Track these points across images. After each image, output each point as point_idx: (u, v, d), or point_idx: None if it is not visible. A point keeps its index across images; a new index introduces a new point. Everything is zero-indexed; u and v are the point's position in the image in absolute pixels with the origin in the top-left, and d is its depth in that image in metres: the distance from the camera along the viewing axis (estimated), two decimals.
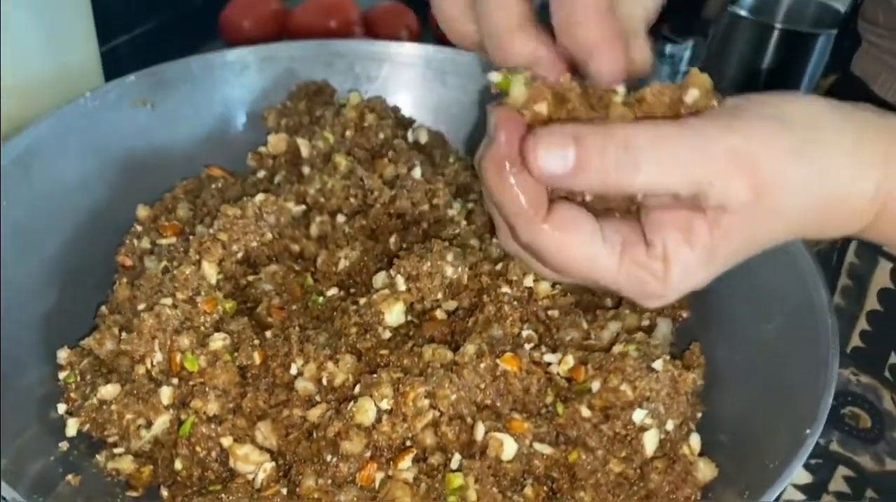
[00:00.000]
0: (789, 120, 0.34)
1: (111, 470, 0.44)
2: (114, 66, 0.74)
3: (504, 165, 0.35)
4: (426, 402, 0.42)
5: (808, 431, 0.41)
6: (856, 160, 0.35)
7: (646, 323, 0.54)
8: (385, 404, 0.42)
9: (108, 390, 0.45)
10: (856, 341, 0.63)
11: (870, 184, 0.35)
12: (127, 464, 0.44)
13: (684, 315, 0.57)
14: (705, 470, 0.44)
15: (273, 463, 0.43)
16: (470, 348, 0.45)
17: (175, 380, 0.46)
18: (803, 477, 0.69)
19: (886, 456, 0.63)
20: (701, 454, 0.45)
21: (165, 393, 0.44)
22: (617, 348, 0.45)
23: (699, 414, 0.49)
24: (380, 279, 0.50)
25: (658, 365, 0.44)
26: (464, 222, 0.57)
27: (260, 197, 0.54)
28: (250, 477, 0.43)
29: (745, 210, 0.34)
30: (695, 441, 0.45)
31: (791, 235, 0.36)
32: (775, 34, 0.91)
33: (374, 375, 0.43)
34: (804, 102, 0.35)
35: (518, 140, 0.35)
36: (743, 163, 0.33)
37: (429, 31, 0.99)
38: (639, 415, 0.42)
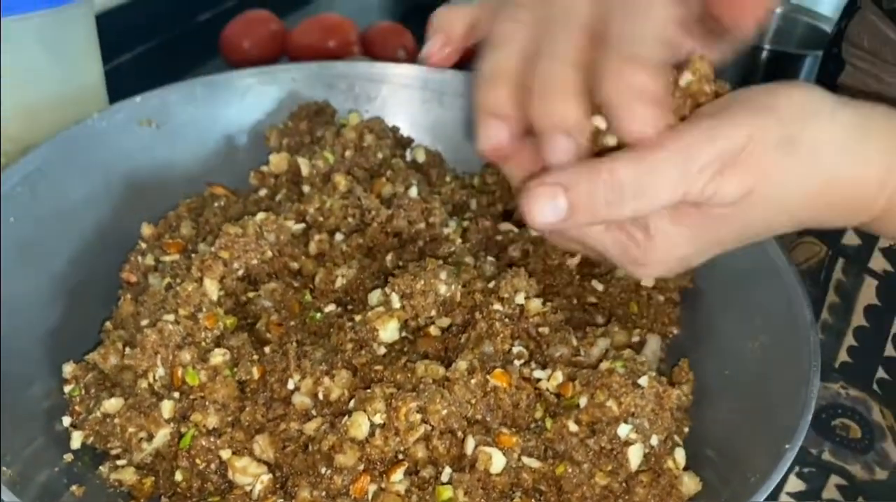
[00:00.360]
0: (781, 107, 0.34)
1: (114, 481, 0.46)
2: (116, 85, 0.76)
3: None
4: (418, 417, 0.43)
5: (787, 446, 0.43)
6: (856, 145, 0.35)
7: (635, 339, 0.55)
8: (378, 418, 0.43)
9: (112, 404, 0.46)
10: (844, 356, 0.65)
11: (874, 169, 0.35)
12: (129, 476, 0.46)
13: (674, 332, 0.58)
14: (689, 484, 0.45)
15: (270, 476, 0.44)
16: (461, 364, 0.46)
17: (176, 394, 0.47)
18: (798, 485, 0.70)
19: (876, 465, 0.65)
20: (686, 468, 0.46)
21: (166, 407, 0.46)
22: (604, 365, 0.47)
23: (686, 429, 0.50)
24: (375, 296, 0.51)
25: (643, 381, 0.45)
26: (459, 240, 0.59)
27: (260, 216, 0.55)
28: (248, 488, 0.44)
29: (736, 204, 0.34)
30: (679, 455, 0.46)
31: (791, 224, 0.37)
32: (764, 55, 0.92)
33: (368, 390, 0.45)
34: (799, 90, 0.35)
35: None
36: (729, 163, 0.33)
37: None
38: (624, 430, 0.43)
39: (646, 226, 0.36)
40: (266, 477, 0.44)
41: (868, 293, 0.61)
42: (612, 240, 0.38)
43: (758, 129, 0.34)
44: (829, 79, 0.64)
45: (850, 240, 0.62)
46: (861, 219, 0.37)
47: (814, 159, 0.34)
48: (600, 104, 0.36)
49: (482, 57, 0.39)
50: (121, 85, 0.74)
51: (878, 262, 0.60)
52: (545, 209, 0.35)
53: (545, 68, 0.36)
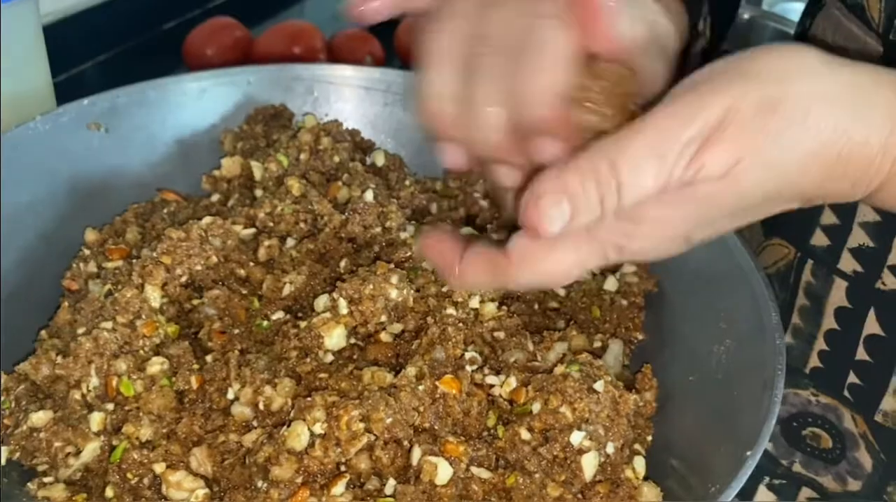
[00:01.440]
0: (762, 70, 0.32)
1: (42, 498, 0.43)
2: (77, 93, 0.74)
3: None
4: (361, 426, 0.41)
5: (748, 453, 0.41)
6: (853, 104, 0.33)
7: (597, 345, 0.53)
8: (318, 428, 0.41)
9: (39, 417, 0.44)
10: (814, 361, 0.63)
11: (875, 130, 0.33)
12: (58, 493, 0.43)
13: (639, 337, 0.56)
14: (649, 495, 0.43)
15: (206, 490, 0.42)
16: (410, 370, 0.44)
17: (110, 406, 0.45)
18: (768, 497, 0.68)
19: (848, 475, 0.63)
20: (646, 478, 0.44)
21: (95, 420, 0.43)
22: (559, 369, 0.45)
23: (649, 438, 0.49)
24: (321, 302, 0.49)
25: (599, 385, 0.43)
26: (416, 245, 0.57)
27: (206, 219, 0.53)
28: None
29: (725, 177, 0.33)
30: (639, 464, 0.44)
31: (792, 195, 0.35)
32: None
33: (309, 398, 0.43)
34: (784, 49, 0.33)
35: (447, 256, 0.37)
36: (710, 138, 0.32)
37: (393, 59, 1.00)
38: (577, 438, 0.41)
39: (631, 215, 0.34)
40: (201, 492, 0.41)
41: (838, 295, 0.60)
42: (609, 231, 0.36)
43: (737, 97, 0.32)
44: None
45: (819, 240, 0.60)
46: (865, 187, 0.35)
47: (804, 118, 0.32)
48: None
49: (420, 71, 0.37)
50: (83, 93, 0.72)
51: (847, 263, 0.58)
52: (554, 217, 0.33)
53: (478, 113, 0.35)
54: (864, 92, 0.33)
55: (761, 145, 0.32)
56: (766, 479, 0.66)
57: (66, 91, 0.77)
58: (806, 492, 0.65)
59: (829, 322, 0.61)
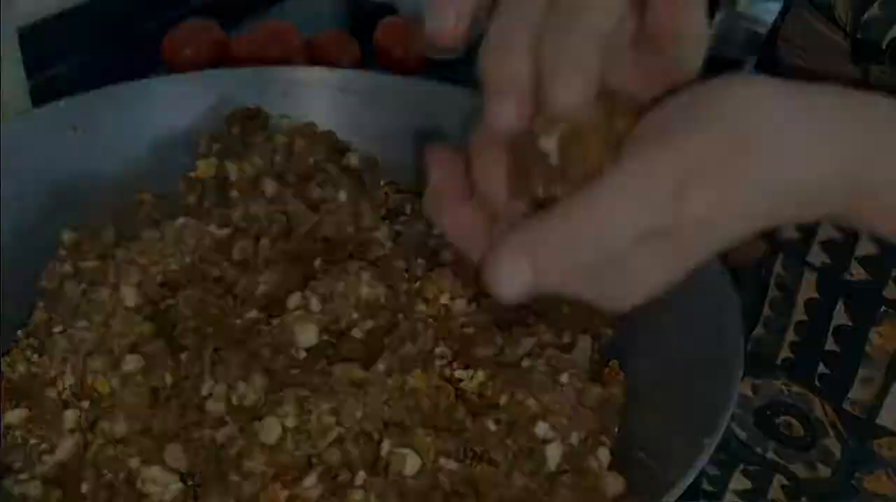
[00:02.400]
0: (722, 113, 0.32)
1: (18, 495, 0.44)
2: (54, 95, 0.74)
3: (440, 202, 0.36)
4: (331, 419, 0.42)
5: (706, 440, 0.42)
6: (817, 134, 0.33)
7: (566, 340, 0.54)
8: (289, 422, 0.42)
9: (14, 415, 0.45)
10: (786, 352, 0.64)
11: (842, 156, 0.33)
12: (34, 489, 0.44)
13: (609, 333, 0.57)
14: (614, 485, 0.44)
15: (181, 485, 0.43)
16: (380, 365, 0.45)
17: (85, 403, 0.45)
18: (744, 483, 0.69)
19: (818, 462, 0.64)
20: (611, 468, 0.46)
21: (70, 417, 0.44)
22: (526, 362, 0.46)
23: (616, 430, 0.50)
24: (294, 300, 0.50)
25: (564, 378, 0.44)
26: (390, 244, 0.58)
27: (181, 220, 0.54)
28: (157, 499, 0.42)
29: (703, 221, 0.32)
30: (603, 455, 0.45)
31: (762, 225, 0.34)
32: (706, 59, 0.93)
33: (281, 393, 0.43)
34: (738, 88, 0.33)
35: (450, 176, 0.36)
36: (685, 184, 0.31)
37: (371, 60, 1.00)
38: (541, 428, 0.42)
39: (614, 261, 0.33)
40: (175, 487, 0.42)
41: (808, 287, 0.61)
42: (586, 287, 0.35)
43: (707, 141, 0.32)
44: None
45: (789, 233, 0.61)
46: (825, 210, 0.35)
47: (776, 155, 0.32)
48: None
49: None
50: (60, 95, 0.72)
51: (816, 255, 0.60)
52: (512, 277, 0.32)
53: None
54: (827, 117, 0.34)
55: (738, 188, 0.32)
56: (741, 466, 0.68)
57: (42, 93, 0.77)
58: (780, 480, 0.66)
59: (799, 313, 0.62)
